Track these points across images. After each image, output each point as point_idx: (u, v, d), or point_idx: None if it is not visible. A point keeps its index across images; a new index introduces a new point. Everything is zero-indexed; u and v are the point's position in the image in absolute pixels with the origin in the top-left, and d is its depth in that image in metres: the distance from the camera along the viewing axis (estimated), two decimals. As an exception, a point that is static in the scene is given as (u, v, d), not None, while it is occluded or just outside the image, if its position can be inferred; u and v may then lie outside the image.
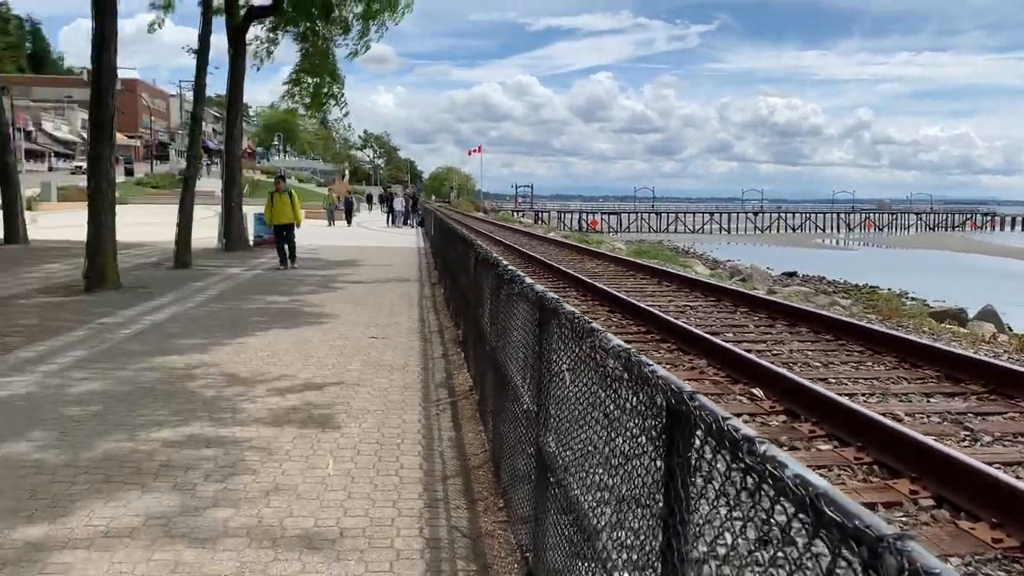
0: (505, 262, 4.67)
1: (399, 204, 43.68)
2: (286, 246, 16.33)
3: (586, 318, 2.42)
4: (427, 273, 17.11)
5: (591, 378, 2.33)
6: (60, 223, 29.91)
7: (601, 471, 2.17)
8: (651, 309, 9.97)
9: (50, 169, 69.29)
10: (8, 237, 19.95)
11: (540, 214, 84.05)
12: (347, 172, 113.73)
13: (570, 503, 2.60)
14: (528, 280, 3.69)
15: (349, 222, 41.13)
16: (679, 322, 9.01)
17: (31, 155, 71.59)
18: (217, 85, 53.20)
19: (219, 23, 18.75)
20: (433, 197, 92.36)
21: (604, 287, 12.46)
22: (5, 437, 4.97)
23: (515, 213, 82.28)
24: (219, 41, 18.23)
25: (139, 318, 9.80)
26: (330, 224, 39.03)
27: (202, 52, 16.36)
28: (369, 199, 68.77)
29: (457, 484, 4.50)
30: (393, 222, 42.22)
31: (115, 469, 4.48)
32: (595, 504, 2.26)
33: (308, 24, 19.78)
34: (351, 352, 8.09)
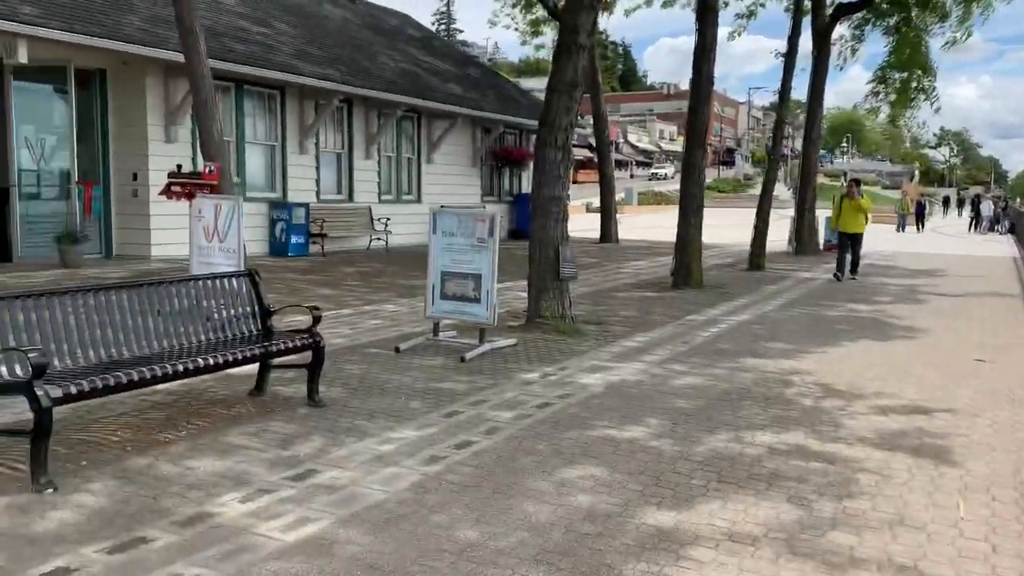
0: None
1: (987, 208, 38.58)
2: (848, 255, 15.16)
3: None
4: (1033, 289, 14.64)
5: None
6: (640, 224, 33.17)
7: None
8: None
9: (631, 176, 77.43)
10: (604, 237, 22.66)
11: None
12: (916, 173, 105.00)
13: None
14: None
15: (921, 228, 37.75)
16: None
17: (617, 164, 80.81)
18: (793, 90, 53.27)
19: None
20: (1019, 200, 79.89)
21: None
22: (626, 421, 5.41)
23: None
24: (800, 44, 17.99)
25: (723, 318, 10.10)
26: (899, 230, 36.32)
27: (790, 55, 16.37)
28: (945, 202, 62.37)
29: None
30: (977, 228, 37.48)
31: (727, 470, 4.51)
32: None
33: (901, 15, 18.44)
34: (955, 375, 7.16)
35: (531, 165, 22.21)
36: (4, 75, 12.56)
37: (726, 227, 27.10)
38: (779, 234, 21.38)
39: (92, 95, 13.60)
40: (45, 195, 13.29)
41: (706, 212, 13.33)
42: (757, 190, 56.16)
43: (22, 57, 11.28)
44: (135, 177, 13.71)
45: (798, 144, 48.21)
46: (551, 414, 5.52)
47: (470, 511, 3.82)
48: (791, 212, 22.39)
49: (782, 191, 44.49)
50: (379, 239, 17.84)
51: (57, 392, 3.88)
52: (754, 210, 17.44)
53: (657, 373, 6.91)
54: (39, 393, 3.79)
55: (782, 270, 16.30)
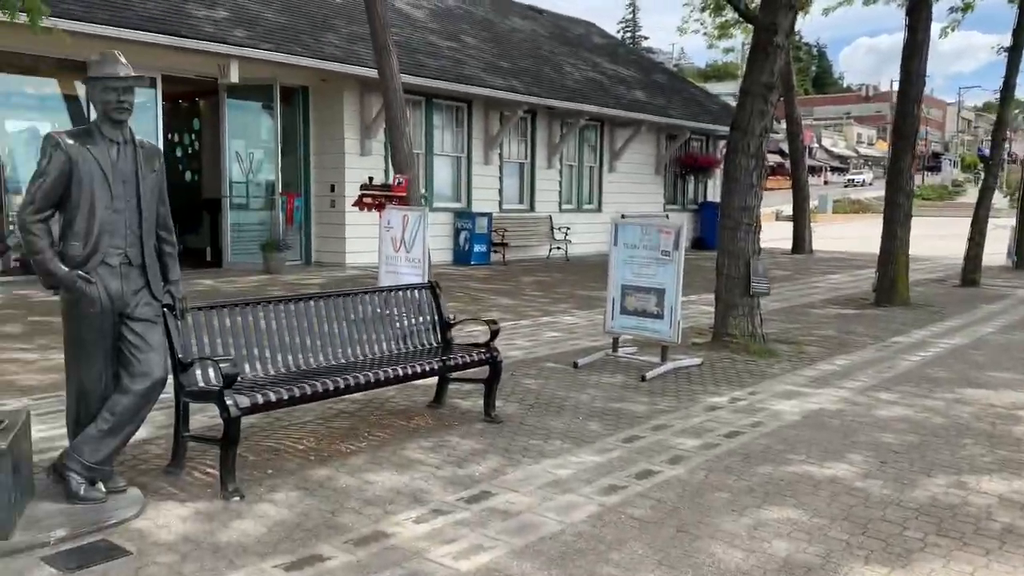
0: None
1: None
2: None
3: None
4: None
5: None
6: (836, 234, 31.22)
7: None
8: None
9: (825, 183, 73.36)
10: (796, 247, 21.47)
11: None
12: None
13: None
14: None
15: None
16: None
17: (810, 170, 76.83)
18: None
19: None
20: None
21: None
22: (826, 456, 4.91)
23: None
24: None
25: (933, 340, 9.15)
26: None
27: (1014, 49, 14.71)
28: None
29: None
30: None
31: (948, 520, 3.95)
32: None
33: None
34: None
35: (718, 172, 21.45)
36: (219, 94, 13.60)
37: (933, 238, 24.88)
38: (996, 247, 19.31)
39: (295, 111, 14.45)
40: (252, 205, 14.25)
41: (912, 221, 12.20)
42: (966, 198, 51.39)
43: (234, 77, 12.13)
44: (332, 188, 14.41)
45: (1017, 148, 43.69)
46: (741, 444, 5.11)
47: (652, 551, 3.54)
48: (1011, 222, 20.20)
49: (998, 199, 40.52)
50: (559, 248, 17.79)
51: (245, 402, 3.98)
52: (965, 219, 15.84)
53: (860, 402, 6.28)
54: (228, 403, 3.90)
55: (1001, 287, 14.67)
